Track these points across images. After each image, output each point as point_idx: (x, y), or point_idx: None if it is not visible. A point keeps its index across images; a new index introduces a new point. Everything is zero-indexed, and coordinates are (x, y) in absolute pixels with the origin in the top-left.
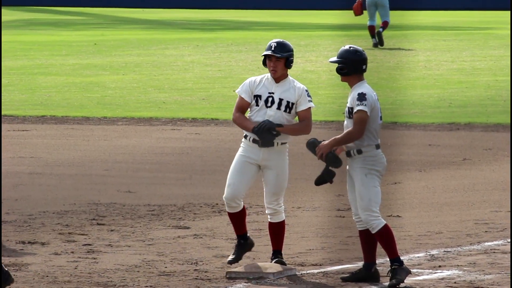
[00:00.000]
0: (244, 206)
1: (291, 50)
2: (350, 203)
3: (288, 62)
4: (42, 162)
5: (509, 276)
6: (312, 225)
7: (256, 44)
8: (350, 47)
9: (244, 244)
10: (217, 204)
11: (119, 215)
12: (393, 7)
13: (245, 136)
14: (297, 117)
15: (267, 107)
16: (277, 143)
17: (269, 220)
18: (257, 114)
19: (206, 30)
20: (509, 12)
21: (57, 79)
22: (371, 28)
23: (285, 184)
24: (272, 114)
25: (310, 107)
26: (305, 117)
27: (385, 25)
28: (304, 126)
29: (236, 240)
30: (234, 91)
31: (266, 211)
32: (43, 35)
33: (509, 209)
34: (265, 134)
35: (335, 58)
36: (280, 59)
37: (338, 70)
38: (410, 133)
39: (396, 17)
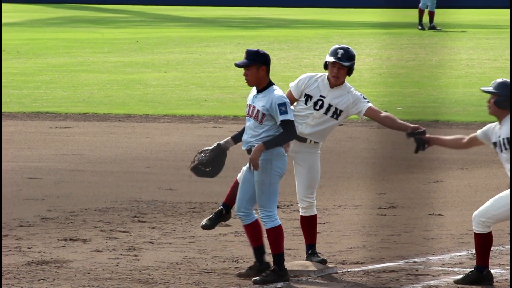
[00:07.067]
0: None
1: (355, 58)
2: None
3: (350, 70)
4: (84, 159)
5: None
6: (353, 223)
7: (297, 42)
8: (505, 80)
9: (224, 216)
10: None
11: (160, 212)
12: (437, 6)
13: None
14: (366, 117)
15: (315, 109)
16: (310, 140)
17: (302, 214)
18: (303, 112)
19: (248, 28)
20: None
21: (99, 77)
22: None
23: (318, 177)
24: (317, 117)
25: (371, 106)
26: (377, 113)
27: (431, 16)
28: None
29: (222, 208)
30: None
31: (300, 205)
32: (85, 33)
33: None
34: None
35: (490, 89)
36: (344, 67)
37: (500, 103)
38: (452, 132)
39: (439, 15)
